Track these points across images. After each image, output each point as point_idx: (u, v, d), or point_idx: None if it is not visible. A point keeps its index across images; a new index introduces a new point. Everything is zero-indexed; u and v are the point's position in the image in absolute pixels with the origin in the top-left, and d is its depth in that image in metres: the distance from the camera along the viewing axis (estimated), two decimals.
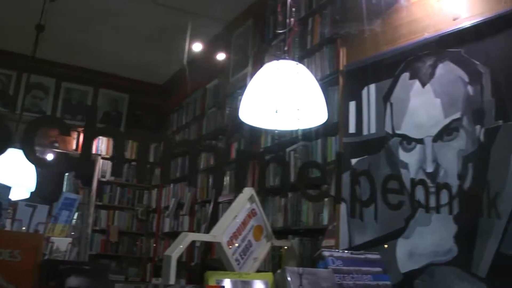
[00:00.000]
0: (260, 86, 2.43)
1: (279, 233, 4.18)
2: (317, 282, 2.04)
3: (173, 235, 7.03)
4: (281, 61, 2.41)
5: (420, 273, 3.24)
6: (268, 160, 1.70)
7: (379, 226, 3.55)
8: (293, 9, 2.60)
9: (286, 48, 2.69)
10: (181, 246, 2.67)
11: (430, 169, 3.17)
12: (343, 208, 3.82)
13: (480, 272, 2.93)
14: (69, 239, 3.70)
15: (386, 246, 3.36)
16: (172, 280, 2.53)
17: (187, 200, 7.26)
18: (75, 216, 5.02)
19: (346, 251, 2.34)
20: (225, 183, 5.88)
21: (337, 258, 2.26)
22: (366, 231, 3.61)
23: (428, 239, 3.23)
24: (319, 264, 2.23)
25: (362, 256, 2.36)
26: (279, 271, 2.04)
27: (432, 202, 3.23)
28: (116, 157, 1.55)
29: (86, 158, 1.54)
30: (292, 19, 2.63)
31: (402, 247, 3.38)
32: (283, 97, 2.28)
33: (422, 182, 2.24)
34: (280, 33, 2.78)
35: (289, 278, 1.96)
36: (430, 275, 3.18)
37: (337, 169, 1.88)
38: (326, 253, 2.25)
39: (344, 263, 2.26)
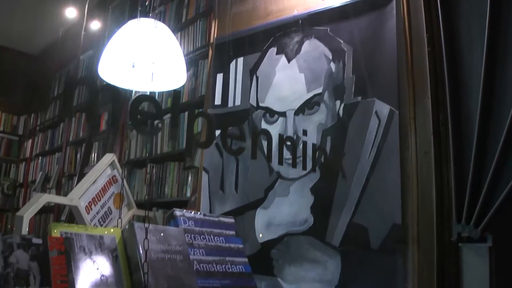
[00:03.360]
0: (119, 42, 2.38)
1: (144, 206, 4.13)
2: (166, 239, 2.02)
3: (40, 210, 6.74)
4: (142, 19, 2.37)
5: (277, 243, 3.30)
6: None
7: (240, 197, 3.59)
8: None
9: (147, 4, 2.64)
10: (34, 207, 2.57)
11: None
12: (204, 179, 3.84)
13: (334, 241, 3.03)
14: None
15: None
16: None
17: (54, 173, 7.04)
18: None
19: (199, 213, 2.33)
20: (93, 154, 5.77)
21: (189, 219, 2.25)
22: (226, 202, 3.64)
23: (286, 209, 3.30)
24: (170, 223, 2.21)
25: (215, 219, 2.36)
26: (126, 226, 2.00)
27: (292, 173, 3.31)
28: None
29: None
30: None
31: (260, 217, 3.44)
32: (140, 52, 2.24)
33: (264, 131, 2.25)
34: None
35: (136, 233, 1.93)
36: (286, 245, 3.25)
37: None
38: (177, 213, 2.23)
39: (196, 224, 2.25)
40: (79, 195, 2.86)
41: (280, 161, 2.20)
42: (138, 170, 4.90)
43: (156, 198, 4.44)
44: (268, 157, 2.26)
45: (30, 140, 8.38)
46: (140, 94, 1.63)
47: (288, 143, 2.36)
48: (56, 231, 1.86)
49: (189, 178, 4.18)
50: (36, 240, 1.75)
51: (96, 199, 2.99)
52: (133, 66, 2.18)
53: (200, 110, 4.05)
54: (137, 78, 2.29)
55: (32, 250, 1.72)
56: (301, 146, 2.63)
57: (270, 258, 3.30)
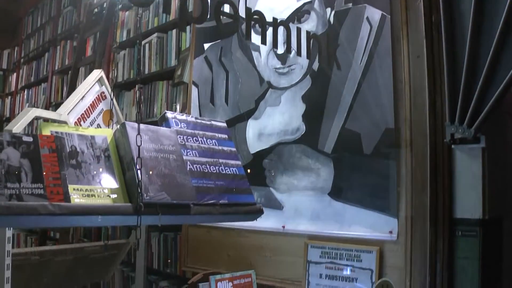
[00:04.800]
0: None
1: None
2: (158, 139, 2.00)
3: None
4: None
5: (269, 152, 3.30)
6: None
7: (230, 109, 3.57)
8: None
9: None
10: (22, 121, 2.52)
11: (281, 50, 3.19)
12: (194, 93, 3.80)
13: (326, 148, 3.02)
14: None
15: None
16: None
17: (41, 103, 6.97)
18: None
19: (191, 116, 2.30)
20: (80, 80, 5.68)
21: (181, 121, 2.22)
22: (217, 115, 3.60)
23: (277, 119, 3.28)
24: (162, 125, 2.18)
25: (208, 122, 2.34)
26: (118, 126, 1.98)
27: (283, 82, 3.28)
28: None
29: None
30: None
31: (252, 128, 3.42)
32: None
33: (257, 13, 2.22)
34: None
35: (128, 131, 1.90)
36: (278, 154, 3.25)
37: None
38: (169, 115, 2.21)
39: (188, 127, 2.23)
40: (68, 111, 2.81)
41: (275, 45, 2.15)
42: (126, 92, 4.85)
43: (145, 119, 4.40)
44: (263, 40, 2.21)
45: (15, 74, 8.27)
46: None
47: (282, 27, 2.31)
48: (46, 130, 1.84)
49: (178, 95, 4.13)
50: (27, 138, 1.73)
51: (85, 115, 2.94)
52: None
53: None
54: None
55: (23, 147, 1.70)
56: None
57: (262, 168, 3.31)
